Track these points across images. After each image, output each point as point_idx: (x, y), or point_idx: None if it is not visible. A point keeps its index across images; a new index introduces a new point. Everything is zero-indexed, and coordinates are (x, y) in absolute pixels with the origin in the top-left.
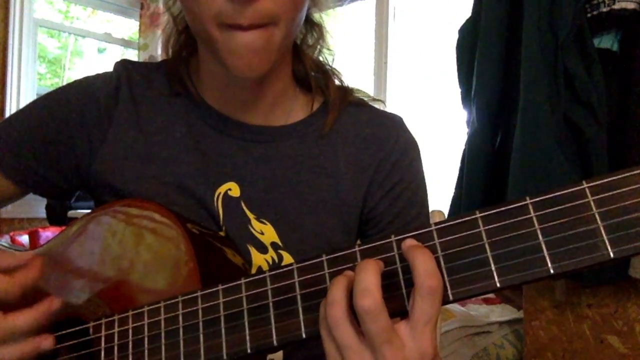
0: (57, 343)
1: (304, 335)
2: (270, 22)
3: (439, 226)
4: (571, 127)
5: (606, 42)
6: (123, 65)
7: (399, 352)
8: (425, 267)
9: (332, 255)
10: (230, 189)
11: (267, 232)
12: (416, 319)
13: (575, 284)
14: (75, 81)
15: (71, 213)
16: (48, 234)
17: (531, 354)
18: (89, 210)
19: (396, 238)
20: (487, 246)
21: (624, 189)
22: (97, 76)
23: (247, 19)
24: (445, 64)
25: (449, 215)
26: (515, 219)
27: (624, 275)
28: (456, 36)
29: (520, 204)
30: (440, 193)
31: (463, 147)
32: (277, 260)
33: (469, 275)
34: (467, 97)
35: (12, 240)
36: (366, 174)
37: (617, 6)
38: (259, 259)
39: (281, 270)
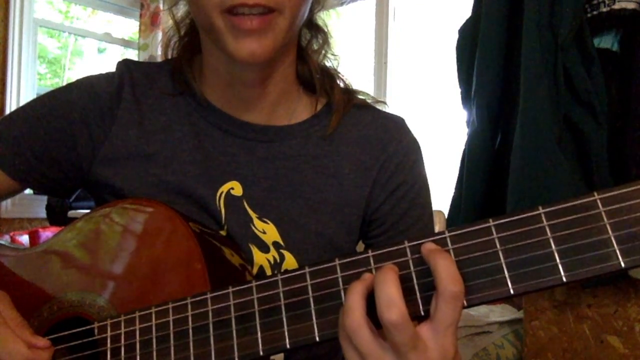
0: (59, 343)
1: (317, 339)
2: (276, 8)
3: (453, 233)
4: (571, 127)
5: (606, 42)
6: (125, 65)
7: (422, 355)
8: (448, 272)
9: (345, 260)
10: (232, 188)
11: (269, 232)
12: (439, 323)
13: (575, 284)
14: (77, 80)
15: (71, 213)
16: (48, 234)
17: (531, 354)
18: (89, 211)
19: (410, 244)
20: (500, 253)
21: (634, 201)
22: (100, 76)
23: None
24: (445, 64)
25: (448, 215)
26: (528, 227)
27: (624, 276)
28: (456, 36)
29: (533, 213)
30: (440, 193)
31: (463, 147)
32: (278, 260)
33: (483, 282)
34: (467, 97)
35: (12, 240)
36: (369, 175)
37: (617, 6)
38: (260, 258)
39: (293, 273)
